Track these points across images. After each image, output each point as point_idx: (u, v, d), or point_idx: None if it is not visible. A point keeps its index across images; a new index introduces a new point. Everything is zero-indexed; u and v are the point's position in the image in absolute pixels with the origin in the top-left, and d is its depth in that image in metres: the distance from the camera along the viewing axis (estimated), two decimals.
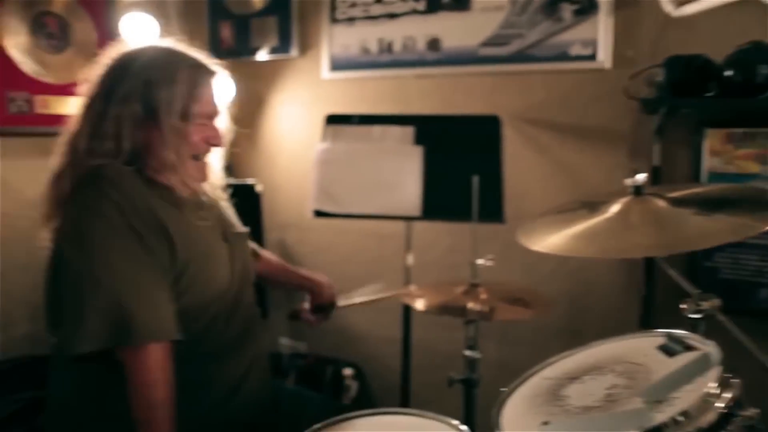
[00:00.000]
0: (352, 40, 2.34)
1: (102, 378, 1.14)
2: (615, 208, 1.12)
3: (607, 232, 1.06)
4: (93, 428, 1.18)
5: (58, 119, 2.00)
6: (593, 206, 1.18)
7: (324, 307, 1.63)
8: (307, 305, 1.64)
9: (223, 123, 1.30)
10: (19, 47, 1.93)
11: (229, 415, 1.25)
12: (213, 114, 1.24)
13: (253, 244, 1.55)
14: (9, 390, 1.75)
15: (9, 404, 1.70)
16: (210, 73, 1.22)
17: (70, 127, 1.18)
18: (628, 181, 1.13)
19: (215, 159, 1.35)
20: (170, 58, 1.19)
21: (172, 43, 1.24)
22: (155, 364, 1.06)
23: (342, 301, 1.65)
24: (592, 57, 1.95)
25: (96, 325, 1.04)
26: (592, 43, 1.94)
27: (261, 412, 1.34)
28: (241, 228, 1.41)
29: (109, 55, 1.20)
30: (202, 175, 1.27)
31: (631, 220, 1.08)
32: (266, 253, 1.66)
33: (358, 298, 1.71)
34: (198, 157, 1.23)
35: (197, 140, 1.20)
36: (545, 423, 0.85)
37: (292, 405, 1.48)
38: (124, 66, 1.17)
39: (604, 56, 1.92)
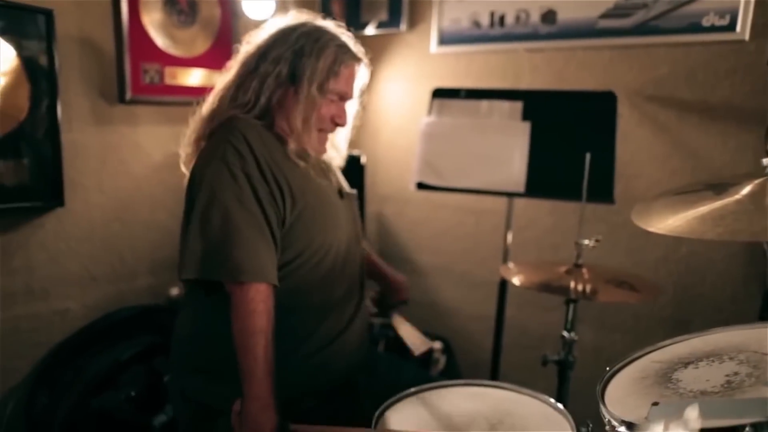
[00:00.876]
0: (463, 14, 2.31)
1: (215, 309, 1.25)
2: (746, 189, 1.03)
3: (737, 214, 0.98)
4: (206, 355, 1.31)
5: (185, 90, 2.20)
6: (719, 188, 1.09)
7: (387, 304, 1.63)
8: (373, 295, 1.64)
9: (353, 107, 1.40)
10: (153, 23, 2.10)
11: (324, 367, 1.31)
12: (345, 95, 1.33)
13: None
14: (131, 335, 1.95)
15: (131, 347, 1.90)
16: (353, 56, 1.32)
17: (224, 79, 1.32)
18: (765, 161, 1.04)
19: (341, 137, 1.46)
20: (323, 35, 1.29)
21: (330, 23, 1.34)
22: (254, 297, 1.15)
23: (398, 316, 1.63)
24: (728, 27, 1.78)
25: (196, 256, 1.17)
26: (731, 12, 1.77)
27: (356, 369, 1.40)
28: (349, 189, 1.49)
29: (273, 25, 1.33)
30: (322, 148, 1.38)
31: (766, 202, 0.99)
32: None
33: (406, 328, 1.63)
34: (322, 131, 1.34)
35: (325, 114, 1.31)
36: (655, 404, 0.82)
37: (387, 369, 1.53)
38: (283, 35, 1.29)
39: (743, 26, 1.75)
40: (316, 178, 1.33)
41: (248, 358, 1.12)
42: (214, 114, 1.28)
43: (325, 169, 1.41)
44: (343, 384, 1.36)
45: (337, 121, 1.33)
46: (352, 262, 1.38)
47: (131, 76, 2.03)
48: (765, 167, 1.04)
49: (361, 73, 1.37)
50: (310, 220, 1.26)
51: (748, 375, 0.81)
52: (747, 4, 1.74)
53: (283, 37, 1.28)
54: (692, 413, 0.34)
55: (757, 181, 1.03)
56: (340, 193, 1.40)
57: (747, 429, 0.66)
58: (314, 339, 1.30)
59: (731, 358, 0.88)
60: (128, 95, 2.02)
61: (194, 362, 1.32)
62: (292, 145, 1.28)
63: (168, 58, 2.16)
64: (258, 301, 1.15)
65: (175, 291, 2.17)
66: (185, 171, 1.30)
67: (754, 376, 0.80)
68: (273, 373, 1.14)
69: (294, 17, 1.33)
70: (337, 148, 1.47)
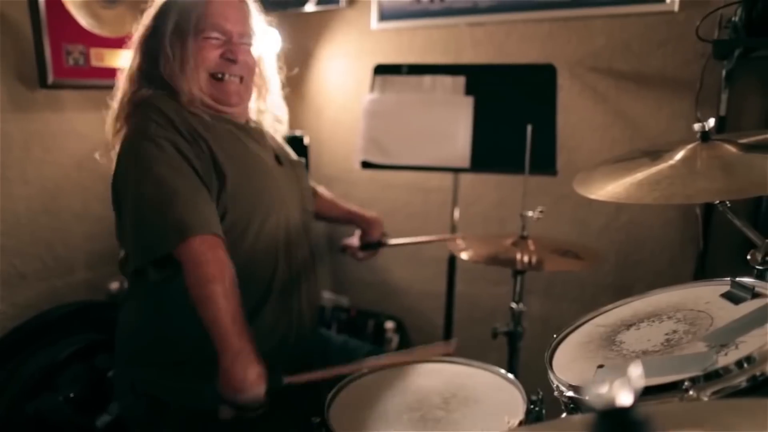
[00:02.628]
0: None
1: (163, 299, 1.22)
2: (679, 155, 1.06)
3: (671, 179, 1.01)
4: (158, 347, 1.26)
5: (113, 72, 2.07)
6: (655, 154, 1.12)
7: (372, 244, 1.67)
8: (356, 241, 1.68)
9: (257, 48, 1.34)
10: (74, 2, 1.96)
11: (274, 345, 1.28)
12: (222, 29, 1.26)
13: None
14: (69, 332, 1.85)
15: (69, 345, 1.80)
16: None
17: (126, 63, 1.31)
18: (696, 126, 1.07)
19: (272, 100, 1.42)
20: None
21: None
22: (200, 249, 1.12)
23: (390, 240, 1.68)
24: None
25: (150, 235, 1.13)
26: None
27: (308, 350, 1.37)
28: (295, 156, 1.46)
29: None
30: (234, 97, 1.30)
31: (697, 166, 1.02)
32: (319, 188, 1.70)
33: (407, 239, 1.75)
34: (220, 77, 1.28)
35: (209, 56, 1.25)
36: (600, 366, 0.83)
37: (340, 350, 1.51)
38: (159, 7, 1.28)
39: None
40: (247, 144, 1.29)
41: (209, 310, 1.06)
42: (128, 98, 1.26)
43: (257, 132, 1.37)
44: (296, 368, 1.33)
45: (228, 56, 1.27)
46: (296, 232, 1.35)
47: (52, 58, 1.89)
48: (696, 133, 1.08)
49: (240, 9, 1.30)
50: (237, 188, 1.22)
51: (686, 332, 0.83)
52: None
53: (161, 7, 1.27)
54: (635, 371, 0.34)
55: (688, 147, 1.07)
56: (278, 159, 1.36)
57: (686, 383, 0.68)
58: (257, 319, 1.27)
59: (669, 318, 0.90)
60: (50, 79, 1.89)
61: (145, 355, 1.27)
62: (183, 98, 1.24)
63: (93, 38, 2.02)
64: (205, 251, 1.11)
65: (115, 285, 2.07)
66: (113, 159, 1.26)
67: (690, 332, 0.83)
68: (242, 321, 1.08)
69: None
70: (270, 113, 1.44)
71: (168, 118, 1.20)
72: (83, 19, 1.99)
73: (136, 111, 1.25)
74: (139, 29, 1.30)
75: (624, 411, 0.31)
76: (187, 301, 1.16)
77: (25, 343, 1.78)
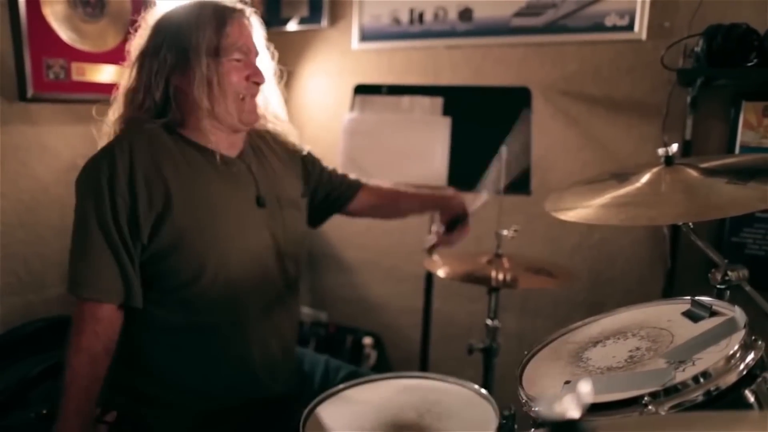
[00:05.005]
0: (383, 10, 2.33)
1: (128, 324, 1.23)
2: (645, 178, 1.11)
3: (637, 201, 1.05)
4: (127, 372, 1.26)
5: (95, 87, 2.07)
6: (622, 177, 1.16)
7: (458, 218, 1.50)
8: (437, 228, 1.53)
9: (264, 62, 1.33)
10: (56, 15, 1.97)
11: (237, 383, 1.29)
12: (246, 49, 1.24)
13: (352, 176, 1.56)
14: (42, 348, 1.82)
15: (42, 362, 1.77)
16: (233, 10, 1.25)
17: (123, 82, 1.27)
18: (660, 151, 1.12)
19: (274, 105, 1.39)
20: (195, 9, 1.23)
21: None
22: (84, 316, 1.16)
23: (473, 205, 1.52)
24: (628, 28, 1.90)
25: (71, 269, 1.18)
26: (629, 13, 1.90)
27: (279, 382, 1.36)
28: (295, 194, 1.41)
29: (147, 21, 1.26)
30: (253, 117, 1.29)
31: (662, 189, 1.07)
32: (374, 181, 1.60)
33: (481, 198, 1.56)
34: (243, 99, 1.25)
35: (236, 79, 1.22)
36: (567, 382, 0.87)
37: (315, 369, 1.50)
38: (157, 24, 1.24)
39: (641, 27, 1.88)
40: (219, 186, 1.24)
41: (66, 374, 1.14)
42: (120, 118, 1.24)
43: (241, 175, 1.29)
44: (268, 397, 1.33)
45: (255, 79, 1.25)
46: (269, 275, 1.30)
47: (32, 72, 1.89)
48: (660, 157, 1.13)
49: (254, 24, 1.29)
50: (197, 235, 1.19)
51: (648, 349, 0.87)
52: (643, 5, 1.87)
53: (156, 27, 1.23)
54: (585, 387, 0.37)
55: (654, 170, 1.11)
56: (259, 201, 1.30)
57: (646, 398, 0.71)
58: (221, 358, 1.27)
59: (634, 335, 0.94)
60: (30, 92, 1.88)
61: (110, 377, 1.26)
62: (192, 121, 1.22)
63: (75, 53, 2.03)
64: (87, 320, 1.15)
65: None
66: None
67: (652, 349, 0.87)
68: (90, 398, 1.15)
69: (160, 8, 1.27)
70: (275, 117, 1.41)
71: (131, 159, 1.15)
72: (65, 33, 2.00)
73: (116, 135, 1.23)
74: (140, 43, 1.24)
75: (572, 423, 0.34)
76: (155, 328, 1.20)
77: None
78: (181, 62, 1.19)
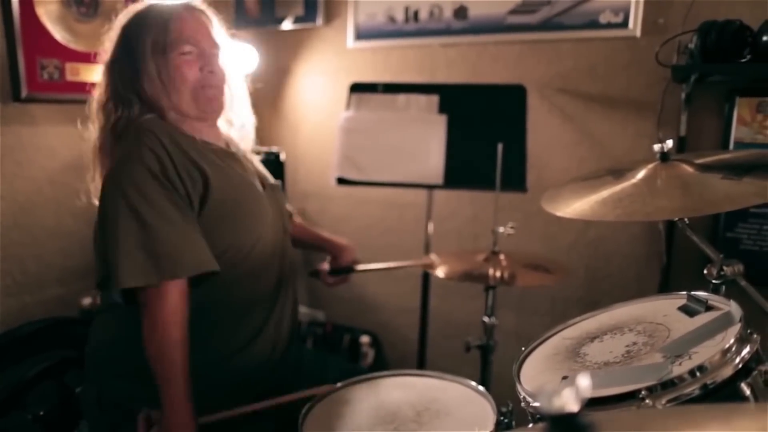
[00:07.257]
0: (378, 9, 2.33)
1: (137, 309, 1.20)
2: (640, 174, 1.11)
3: (632, 197, 1.06)
4: (132, 358, 1.25)
5: (89, 87, 2.06)
6: (618, 173, 1.17)
7: (343, 269, 1.64)
8: (327, 266, 1.66)
9: (226, 54, 1.34)
10: (50, 15, 1.96)
11: (250, 364, 1.30)
12: (194, 41, 1.26)
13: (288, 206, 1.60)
14: (40, 349, 1.82)
15: (40, 362, 1.77)
16: (173, 7, 1.27)
17: (96, 97, 1.29)
18: (656, 147, 1.12)
19: (241, 115, 1.42)
20: (144, 11, 1.27)
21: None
22: (174, 304, 1.13)
23: (361, 266, 1.65)
24: (622, 25, 1.91)
25: (138, 260, 1.11)
26: (624, 10, 1.90)
27: (284, 366, 1.38)
28: (272, 180, 1.47)
29: (114, 29, 1.30)
30: (215, 102, 1.31)
31: (657, 185, 1.07)
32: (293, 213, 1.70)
33: (377, 265, 1.73)
34: (203, 87, 1.28)
35: (188, 71, 1.25)
36: (564, 378, 0.87)
37: (314, 366, 1.52)
38: (120, 32, 1.28)
39: (635, 24, 1.89)
40: (237, 170, 1.30)
41: (163, 369, 1.12)
42: (111, 125, 1.24)
43: (241, 157, 1.37)
44: (271, 384, 1.34)
45: (208, 69, 1.27)
46: (279, 256, 1.36)
47: (26, 72, 1.89)
48: (656, 153, 1.13)
49: (209, 18, 1.31)
50: (231, 214, 1.23)
51: (644, 344, 0.88)
52: (638, 2, 1.87)
53: (120, 32, 1.27)
54: (584, 381, 0.37)
55: (649, 166, 1.12)
56: (262, 183, 1.38)
57: (642, 392, 0.72)
58: (239, 336, 1.28)
59: (631, 330, 0.95)
60: (24, 92, 1.88)
61: (118, 367, 1.27)
62: (171, 116, 1.25)
63: (69, 53, 2.02)
64: (172, 304, 1.13)
65: (87, 301, 2.05)
66: (98, 180, 1.26)
67: (649, 344, 0.87)
68: (189, 378, 1.13)
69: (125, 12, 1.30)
70: (240, 129, 1.43)
71: (165, 148, 1.17)
72: (59, 33, 1.99)
73: (125, 135, 1.22)
74: (106, 53, 1.28)
75: (571, 417, 0.34)
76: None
77: None
78: (135, 65, 1.23)
